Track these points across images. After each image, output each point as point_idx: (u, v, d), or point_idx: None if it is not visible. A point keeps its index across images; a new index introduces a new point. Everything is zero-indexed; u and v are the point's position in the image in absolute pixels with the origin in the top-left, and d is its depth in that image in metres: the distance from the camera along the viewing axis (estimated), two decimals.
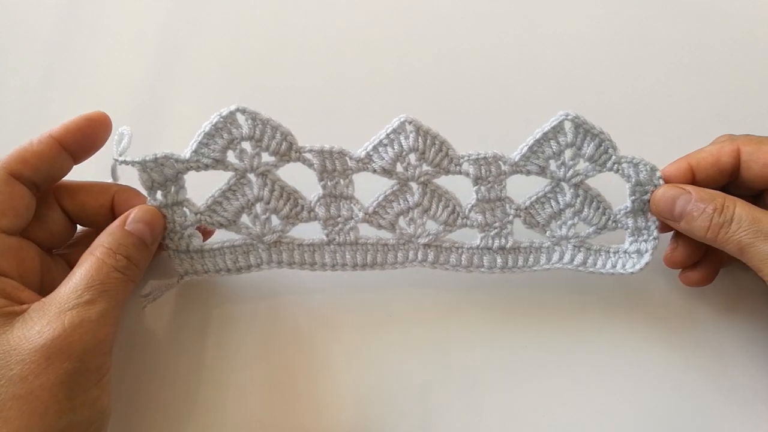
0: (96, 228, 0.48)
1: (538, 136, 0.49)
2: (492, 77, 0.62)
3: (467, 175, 0.49)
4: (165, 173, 0.45)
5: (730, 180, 0.50)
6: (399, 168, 0.49)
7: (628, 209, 0.51)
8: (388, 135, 0.48)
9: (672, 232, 0.52)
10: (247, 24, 0.64)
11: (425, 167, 0.49)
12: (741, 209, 0.46)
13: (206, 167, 0.46)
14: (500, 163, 0.50)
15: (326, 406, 0.52)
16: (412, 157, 0.49)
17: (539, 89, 0.61)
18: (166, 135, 0.56)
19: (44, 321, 0.40)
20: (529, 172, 0.50)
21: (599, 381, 0.53)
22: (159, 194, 0.46)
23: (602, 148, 0.49)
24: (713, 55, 0.62)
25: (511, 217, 0.51)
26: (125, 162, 0.45)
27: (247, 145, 0.46)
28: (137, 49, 0.63)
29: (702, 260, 0.52)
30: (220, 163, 0.46)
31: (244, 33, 0.64)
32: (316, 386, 0.53)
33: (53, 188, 0.46)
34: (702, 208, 0.47)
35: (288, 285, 0.54)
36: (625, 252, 0.53)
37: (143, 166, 0.45)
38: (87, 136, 0.45)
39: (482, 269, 0.52)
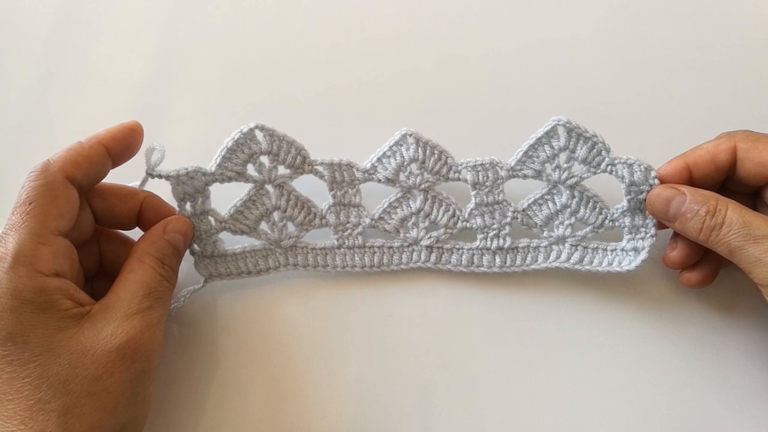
0: (118, 230, 0.55)
1: (532, 142, 0.55)
2: (492, 79, 0.65)
3: (465, 181, 0.57)
4: (195, 185, 0.54)
5: (728, 176, 0.54)
6: (402, 177, 0.57)
7: (625, 208, 0.56)
8: (390, 147, 0.56)
9: (672, 231, 0.55)
10: (247, 24, 0.68)
11: (426, 175, 0.57)
12: (732, 212, 0.49)
13: (229, 179, 0.55)
14: (497, 168, 0.56)
15: (326, 406, 0.55)
16: (414, 167, 0.56)
17: (540, 91, 0.65)
18: (166, 135, 0.59)
19: (113, 324, 0.45)
20: (525, 176, 0.57)
21: (599, 381, 0.56)
22: (188, 205, 0.54)
23: (595, 150, 0.54)
24: (713, 56, 0.66)
25: (509, 219, 0.58)
26: (159, 176, 0.53)
27: (265, 159, 0.55)
28: (137, 49, 0.67)
29: (701, 261, 0.55)
30: (241, 176, 0.55)
31: (245, 33, 0.68)
32: (316, 386, 0.56)
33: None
34: (695, 210, 0.50)
35: (288, 285, 0.59)
36: (622, 250, 0.57)
37: (177, 179, 0.53)
38: (129, 145, 0.51)
39: (482, 268, 0.58)
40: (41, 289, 0.43)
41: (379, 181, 0.57)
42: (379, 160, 0.56)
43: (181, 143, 0.57)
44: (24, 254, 0.43)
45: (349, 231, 0.58)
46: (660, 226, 0.55)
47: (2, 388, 0.42)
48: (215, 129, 0.61)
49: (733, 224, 0.48)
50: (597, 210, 0.56)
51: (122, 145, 0.50)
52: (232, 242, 0.57)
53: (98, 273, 0.54)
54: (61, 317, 0.44)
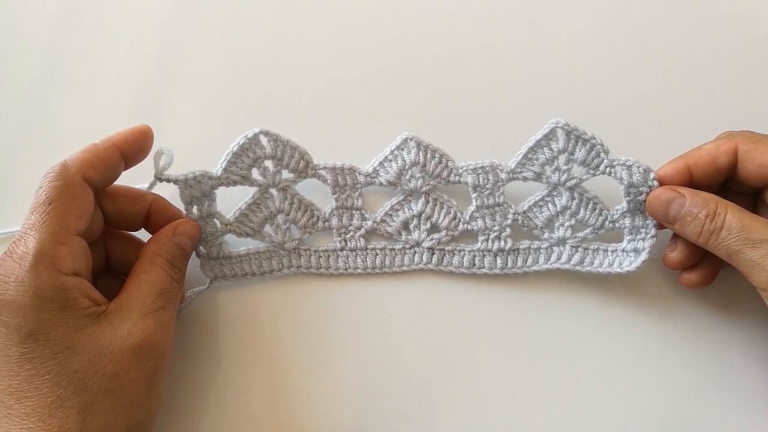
0: (126, 231, 0.58)
1: (531, 144, 0.57)
2: (492, 77, 0.67)
3: (466, 184, 0.59)
4: (202, 189, 0.57)
5: (729, 176, 0.55)
6: (403, 180, 0.60)
7: (625, 209, 0.57)
8: (392, 151, 0.59)
9: (672, 232, 0.57)
10: (247, 24, 0.70)
11: (427, 179, 0.60)
12: (732, 216, 0.51)
13: (234, 183, 0.58)
14: (497, 171, 0.59)
15: (327, 406, 0.57)
16: (415, 170, 0.59)
17: (540, 89, 0.66)
18: (166, 135, 0.59)
19: (130, 323, 0.48)
20: (525, 179, 0.59)
21: (599, 381, 0.58)
22: (195, 208, 0.57)
23: (594, 152, 0.56)
24: (713, 55, 0.67)
25: (509, 221, 0.60)
26: (168, 179, 0.56)
27: (269, 164, 0.58)
28: (137, 48, 0.69)
29: (701, 262, 0.57)
30: (246, 180, 0.58)
31: (245, 33, 0.69)
32: (316, 386, 0.58)
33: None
34: (695, 213, 0.52)
35: (290, 285, 0.61)
36: (622, 251, 0.59)
37: (185, 183, 0.56)
38: (141, 148, 0.54)
39: (483, 270, 0.60)
40: (62, 287, 0.46)
41: (381, 184, 0.60)
42: (380, 164, 0.59)
43: (181, 143, 0.58)
44: (45, 254, 0.45)
45: (351, 233, 0.61)
46: (660, 226, 0.57)
47: (21, 386, 0.44)
48: (215, 129, 0.65)
49: (732, 228, 0.50)
50: (597, 211, 0.58)
51: (135, 148, 0.53)
52: (236, 244, 0.60)
53: (103, 271, 0.56)
54: (80, 316, 0.46)
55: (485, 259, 0.60)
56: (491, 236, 0.60)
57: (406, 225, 0.60)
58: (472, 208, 0.59)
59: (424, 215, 0.60)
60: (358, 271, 0.60)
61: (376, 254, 0.61)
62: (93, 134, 0.53)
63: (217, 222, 0.58)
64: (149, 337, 0.48)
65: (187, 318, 0.59)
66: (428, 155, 0.58)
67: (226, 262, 0.59)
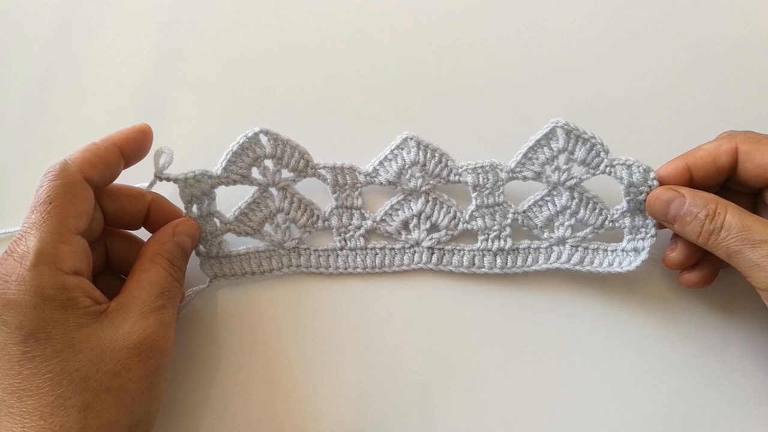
0: (126, 229, 0.58)
1: (531, 144, 0.58)
2: (492, 77, 0.67)
3: (466, 183, 0.60)
4: (201, 188, 0.57)
5: (729, 176, 0.55)
6: (403, 180, 0.60)
7: (624, 209, 0.58)
8: (392, 151, 0.60)
9: (672, 231, 0.57)
10: (247, 24, 0.70)
11: (427, 178, 0.60)
12: (731, 216, 0.51)
13: (234, 182, 0.58)
14: (497, 170, 0.59)
15: (326, 406, 0.58)
16: (415, 170, 0.60)
17: (540, 89, 0.67)
18: (166, 135, 0.60)
19: (131, 322, 0.48)
20: (525, 178, 0.59)
21: (599, 381, 0.59)
22: (194, 207, 0.58)
23: (594, 152, 0.57)
24: (713, 55, 0.68)
25: (509, 221, 0.60)
26: (168, 178, 0.56)
27: (269, 163, 0.59)
28: (137, 49, 0.69)
29: (701, 262, 0.57)
30: (246, 179, 0.58)
31: (244, 33, 0.70)
32: (316, 386, 0.58)
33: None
34: (695, 214, 0.52)
35: (290, 285, 0.61)
36: (622, 250, 0.59)
37: (185, 182, 0.56)
38: (141, 147, 0.54)
39: (483, 269, 0.61)
40: (63, 286, 0.46)
41: (381, 183, 0.60)
42: (380, 163, 0.60)
43: (181, 143, 0.59)
44: (46, 252, 0.46)
45: (351, 233, 0.61)
46: (660, 226, 0.57)
47: (22, 384, 0.44)
48: (215, 129, 0.65)
49: (731, 228, 0.50)
50: (597, 211, 0.59)
51: (135, 147, 0.54)
52: (236, 243, 0.61)
53: (103, 270, 0.57)
54: (82, 314, 0.47)
55: (485, 258, 0.60)
56: (491, 236, 0.60)
57: (405, 224, 0.61)
58: (472, 207, 0.60)
59: (423, 215, 0.60)
60: (358, 270, 0.61)
61: (376, 254, 0.61)
62: (93, 134, 0.53)
63: (217, 221, 0.59)
64: (150, 335, 0.48)
65: (187, 317, 0.60)
66: (428, 155, 0.59)
67: (226, 261, 0.60)
